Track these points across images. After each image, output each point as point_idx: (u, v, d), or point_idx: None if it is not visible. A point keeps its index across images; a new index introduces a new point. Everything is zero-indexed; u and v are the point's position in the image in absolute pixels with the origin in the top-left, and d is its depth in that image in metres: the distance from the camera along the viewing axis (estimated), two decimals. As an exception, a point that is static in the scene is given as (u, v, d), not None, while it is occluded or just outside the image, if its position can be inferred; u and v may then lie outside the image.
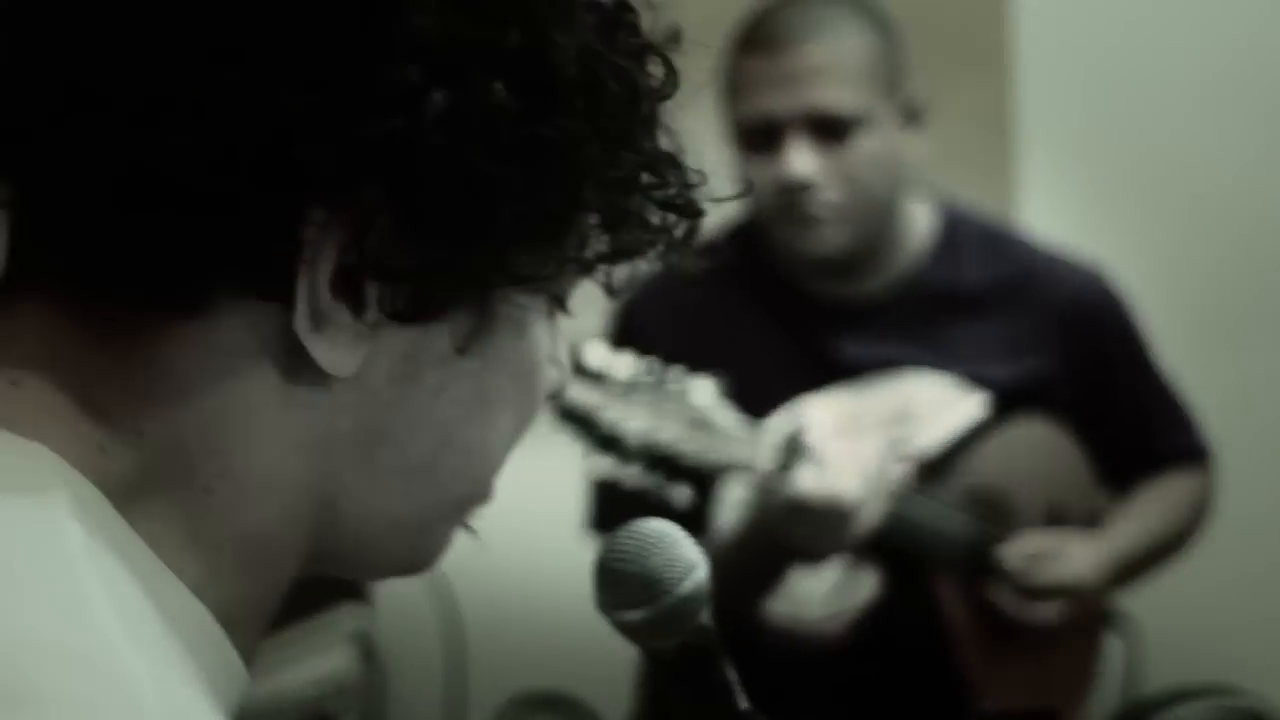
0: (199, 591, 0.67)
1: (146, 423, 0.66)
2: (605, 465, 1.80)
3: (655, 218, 0.75)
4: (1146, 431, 2.16)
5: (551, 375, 0.78)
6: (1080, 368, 2.09)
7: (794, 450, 1.85)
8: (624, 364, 1.80)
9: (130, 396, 0.66)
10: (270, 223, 0.65)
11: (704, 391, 1.81)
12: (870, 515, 1.86)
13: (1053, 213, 2.79)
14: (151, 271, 0.65)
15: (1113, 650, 2.25)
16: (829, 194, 1.98)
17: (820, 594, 1.99)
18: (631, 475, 1.81)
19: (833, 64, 1.98)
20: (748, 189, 1.98)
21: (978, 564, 2.01)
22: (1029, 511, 2.07)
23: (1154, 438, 2.17)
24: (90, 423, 0.66)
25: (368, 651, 2.18)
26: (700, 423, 1.79)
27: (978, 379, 2.04)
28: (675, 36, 0.74)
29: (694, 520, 1.99)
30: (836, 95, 1.97)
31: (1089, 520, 2.11)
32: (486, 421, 0.73)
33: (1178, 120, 2.82)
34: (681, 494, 1.85)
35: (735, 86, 2.01)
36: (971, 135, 2.91)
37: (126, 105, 0.64)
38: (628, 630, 0.84)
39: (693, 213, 0.76)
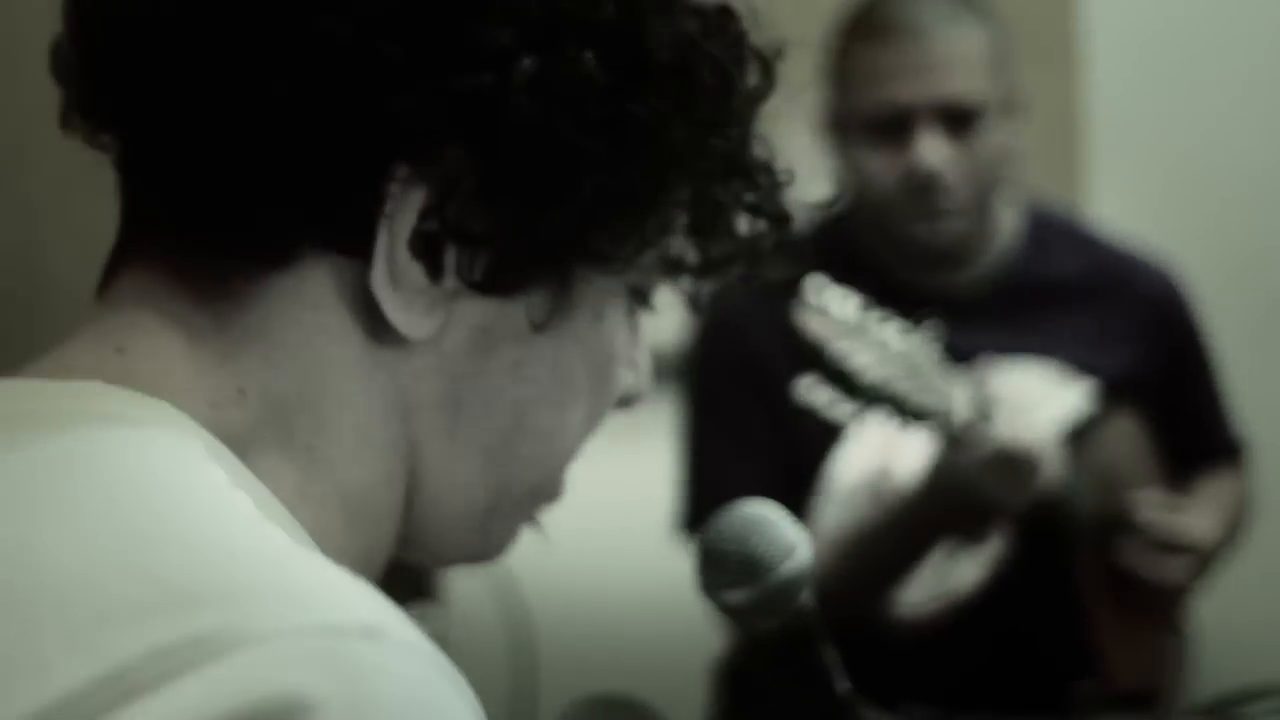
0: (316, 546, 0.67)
1: (247, 380, 0.67)
2: (823, 395, 1.82)
3: (743, 225, 0.75)
4: (1209, 427, 2.19)
5: (628, 377, 0.77)
6: (1163, 361, 2.11)
7: (985, 404, 1.86)
8: (847, 300, 1.82)
9: (228, 357, 0.67)
10: (356, 174, 0.66)
11: (911, 334, 1.83)
12: (1052, 469, 1.87)
13: (1121, 208, 2.77)
14: (244, 220, 0.66)
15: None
16: (957, 184, 1.99)
17: (919, 579, 1.99)
18: (848, 409, 1.82)
19: (964, 54, 1.99)
20: (860, 180, 2.02)
21: (1109, 532, 2.01)
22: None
23: (1214, 433, 2.19)
24: (197, 383, 0.67)
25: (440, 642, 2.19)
26: (909, 363, 1.82)
27: (1078, 366, 2.05)
28: (777, 47, 0.75)
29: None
30: (969, 86, 1.98)
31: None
32: (560, 406, 0.73)
33: (1243, 114, 2.80)
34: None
35: (855, 75, 2.01)
36: (1040, 130, 2.89)
37: (230, 55, 0.65)
38: (730, 611, 0.84)
39: (782, 220, 0.76)
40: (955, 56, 1.98)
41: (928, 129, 1.97)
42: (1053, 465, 1.88)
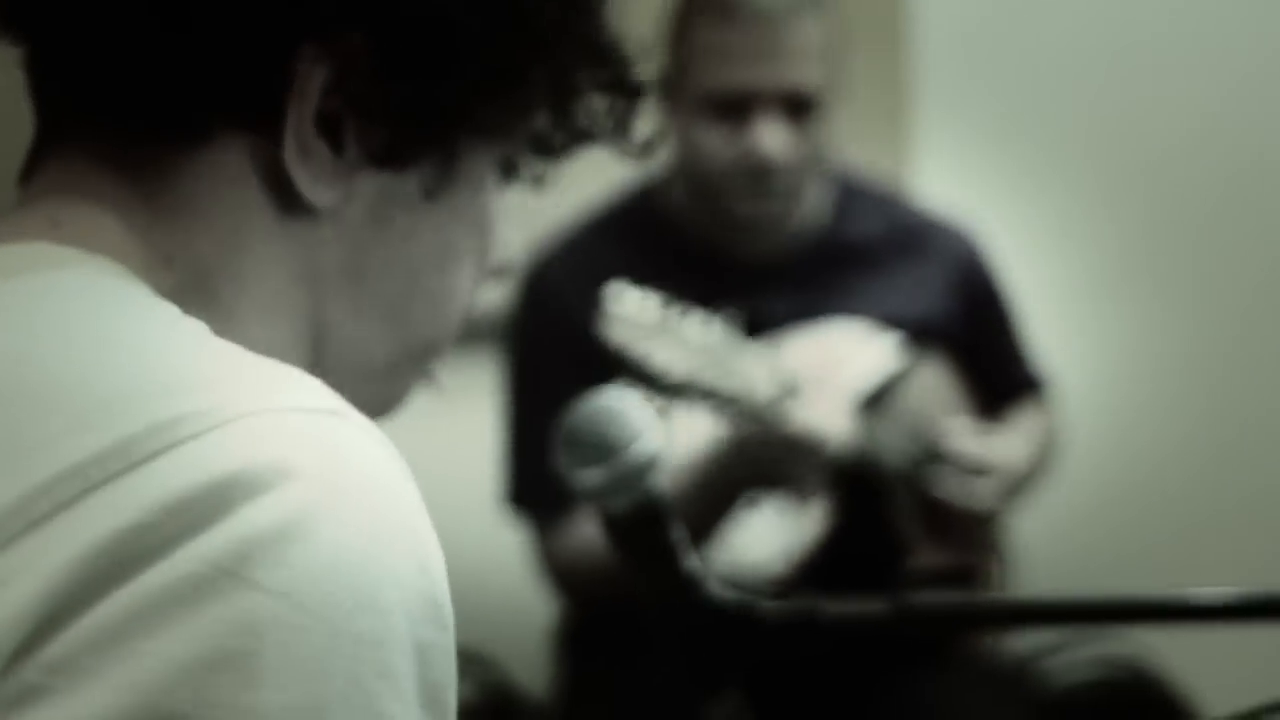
0: None
1: (173, 248, 0.73)
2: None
3: (599, 101, 0.82)
4: (1012, 367, 2.32)
5: (506, 240, 0.84)
6: (964, 310, 2.23)
7: (788, 384, 1.92)
8: (644, 300, 1.86)
9: (154, 228, 0.73)
10: (267, 53, 0.72)
11: (711, 324, 1.88)
12: (847, 439, 1.96)
13: (945, 172, 2.87)
14: (162, 101, 0.72)
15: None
16: (793, 170, 2.05)
17: (761, 538, 2.08)
18: (656, 406, 1.86)
19: (807, 44, 2.03)
20: (692, 153, 2.06)
21: (922, 478, 2.12)
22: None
23: (1017, 372, 2.32)
24: (129, 249, 0.72)
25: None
26: (711, 355, 1.86)
27: (884, 321, 2.15)
28: None
29: None
30: (810, 76, 2.03)
31: None
32: (449, 269, 0.80)
33: (1071, 81, 2.91)
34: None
35: (699, 51, 2.05)
36: (866, 96, 2.98)
37: None
38: (586, 491, 0.90)
39: (634, 94, 0.83)
40: (800, 46, 2.03)
41: (768, 114, 2.02)
42: (846, 436, 1.96)
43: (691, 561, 0.94)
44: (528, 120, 0.79)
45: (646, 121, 0.86)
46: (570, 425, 0.90)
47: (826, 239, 2.18)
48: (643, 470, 0.90)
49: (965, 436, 2.15)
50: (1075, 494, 2.45)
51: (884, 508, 2.13)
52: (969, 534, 2.18)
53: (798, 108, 2.04)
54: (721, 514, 2.04)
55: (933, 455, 2.14)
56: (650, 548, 0.93)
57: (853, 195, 2.22)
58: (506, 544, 2.23)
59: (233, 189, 0.73)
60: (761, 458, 1.95)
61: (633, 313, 1.85)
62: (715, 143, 2.05)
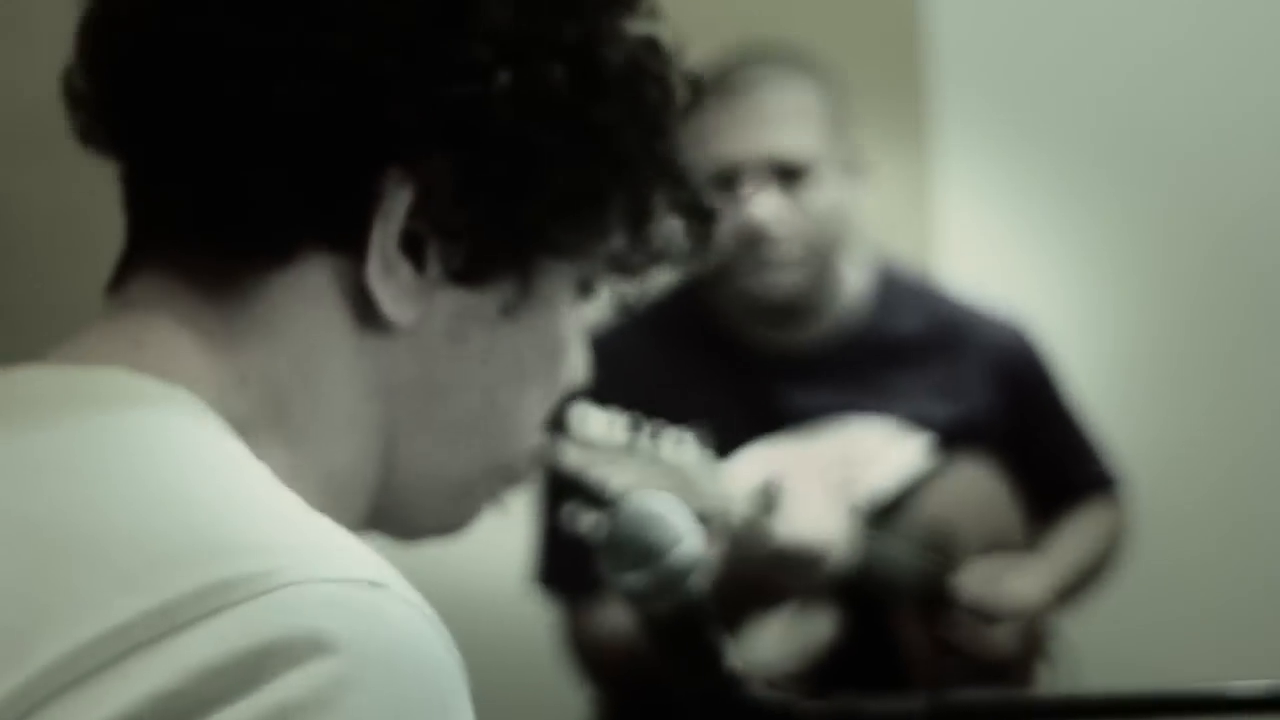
0: None
1: (249, 369, 0.76)
2: (589, 521, 1.82)
3: (674, 221, 0.85)
4: (1067, 464, 2.27)
5: (576, 364, 0.87)
6: (1009, 409, 2.19)
7: (768, 498, 1.89)
8: (606, 421, 1.83)
9: (232, 348, 0.75)
10: (353, 176, 0.75)
11: (683, 444, 1.86)
12: (839, 558, 1.92)
13: (971, 265, 2.88)
14: (250, 223, 0.75)
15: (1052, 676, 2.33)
16: (787, 238, 2.04)
17: (771, 639, 2.05)
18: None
19: (791, 110, 2.04)
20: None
21: (933, 596, 2.08)
22: (972, 546, 2.14)
23: (1074, 470, 2.28)
24: (205, 373, 0.75)
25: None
26: (680, 475, 1.84)
27: (916, 421, 2.11)
28: (696, 79, 0.87)
29: None
30: (796, 141, 2.03)
31: (1024, 550, 2.21)
32: (521, 389, 0.82)
33: (1095, 145, 2.91)
34: None
35: (695, 134, 2.02)
36: (889, 164, 2.99)
37: (238, 69, 0.73)
38: (628, 593, 0.92)
39: (708, 216, 0.86)
40: (782, 112, 2.04)
41: (756, 183, 2.03)
42: (846, 546, 1.92)
43: (732, 661, 0.95)
44: (605, 241, 0.81)
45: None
46: (611, 529, 0.92)
47: (863, 332, 2.16)
48: (684, 574, 0.92)
49: (980, 579, 2.10)
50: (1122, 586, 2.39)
51: (889, 622, 2.08)
52: (984, 660, 2.12)
53: (788, 175, 2.04)
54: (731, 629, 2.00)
55: (949, 570, 2.10)
56: (691, 649, 0.94)
57: (894, 287, 2.20)
58: (540, 627, 2.24)
59: (311, 308, 0.76)
60: (751, 577, 1.91)
61: (596, 435, 1.83)
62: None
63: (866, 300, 2.18)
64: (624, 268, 0.84)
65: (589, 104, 0.77)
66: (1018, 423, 2.20)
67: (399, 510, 0.82)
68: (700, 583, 0.93)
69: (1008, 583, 2.11)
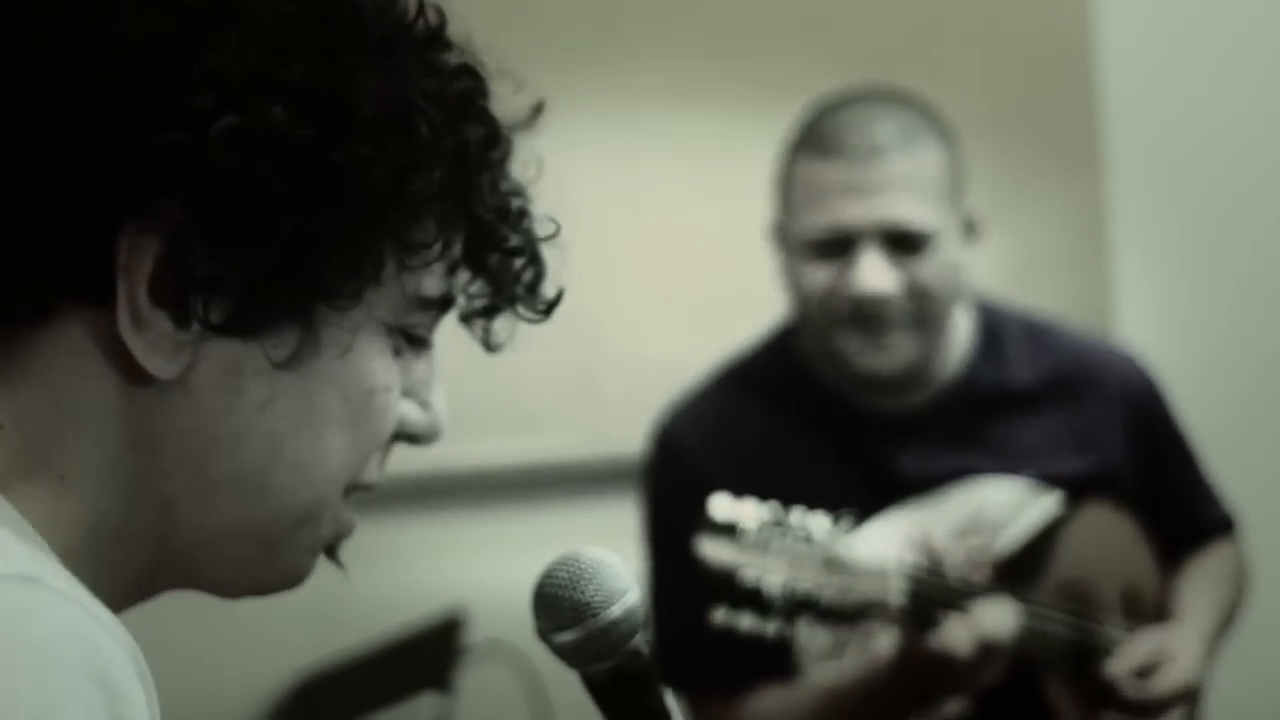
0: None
1: (6, 417, 0.75)
2: (745, 621, 1.77)
3: (497, 263, 0.83)
4: (1194, 508, 2.16)
5: (414, 415, 0.84)
6: (1139, 450, 2.08)
7: (925, 588, 1.79)
8: (749, 512, 1.76)
9: None
10: (85, 233, 0.73)
11: (825, 528, 1.77)
12: (1010, 636, 1.82)
13: (1147, 310, 2.79)
14: (2, 286, 0.74)
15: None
16: (901, 307, 1.94)
17: None
18: (771, 627, 1.77)
19: (910, 178, 1.93)
20: (802, 298, 1.98)
21: (1082, 663, 1.97)
22: (1109, 598, 2.04)
23: (1200, 513, 2.16)
24: None
25: (445, 735, 2.24)
26: (831, 562, 1.75)
27: (1045, 477, 2.01)
28: (538, 108, 0.85)
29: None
30: (913, 210, 1.93)
31: (1156, 598, 2.10)
32: (315, 437, 0.79)
33: (1275, 214, 2.82)
34: (815, 635, 1.84)
35: (800, 191, 1.97)
36: (1067, 236, 2.93)
37: None
38: (560, 652, 0.88)
39: (531, 258, 0.83)
40: (903, 180, 1.93)
41: (870, 251, 1.93)
42: (1014, 623, 1.81)
43: (680, 728, 0.90)
44: (381, 285, 0.78)
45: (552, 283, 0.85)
46: (546, 584, 0.88)
47: (973, 385, 2.04)
48: (622, 632, 0.87)
49: (1136, 664, 1.97)
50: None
51: (1036, 685, 1.96)
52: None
53: (905, 243, 1.93)
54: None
55: (1094, 630, 1.98)
56: (633, 713, 0.89)
57: (1001, 332, 2.08)
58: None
59: (74, 360, 0.75)
60: (921, 672, 1.79)
61: (733, 526, 1.75)
62: (820, 284, 1.96)
63: (973, 350, 2.06)
64: (441, 310, 0.82)
65: (325, 144, 0.74)
66: (1146, 465, 2.09)
67: (197, 564, 0.80)
68: (642, 643, 0.89)
69: (1170, 661, 1.98)
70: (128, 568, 0.78)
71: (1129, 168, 2.90)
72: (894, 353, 1.96)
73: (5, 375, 0.75)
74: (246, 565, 0.81)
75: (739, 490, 1.87)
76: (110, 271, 0.74)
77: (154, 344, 0.75)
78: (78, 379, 0.75)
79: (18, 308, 0.75)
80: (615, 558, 0.89)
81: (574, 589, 0.87)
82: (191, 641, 2.72)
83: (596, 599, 0.87)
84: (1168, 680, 1.97)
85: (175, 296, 0.74)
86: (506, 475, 2.93)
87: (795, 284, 1.99)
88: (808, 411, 2.04)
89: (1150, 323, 2.63)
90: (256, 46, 0.74)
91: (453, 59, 0.80)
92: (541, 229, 0.84)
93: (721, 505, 1.77)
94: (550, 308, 0.86)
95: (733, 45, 2.93)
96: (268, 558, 0.81)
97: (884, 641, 1.87)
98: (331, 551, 0.85)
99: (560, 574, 0.87)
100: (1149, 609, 2.08)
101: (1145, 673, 1.97)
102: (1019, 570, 1.96)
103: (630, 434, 2.36)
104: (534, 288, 0.84)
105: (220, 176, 0.73)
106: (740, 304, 2.24)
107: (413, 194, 0.77)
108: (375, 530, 0.86)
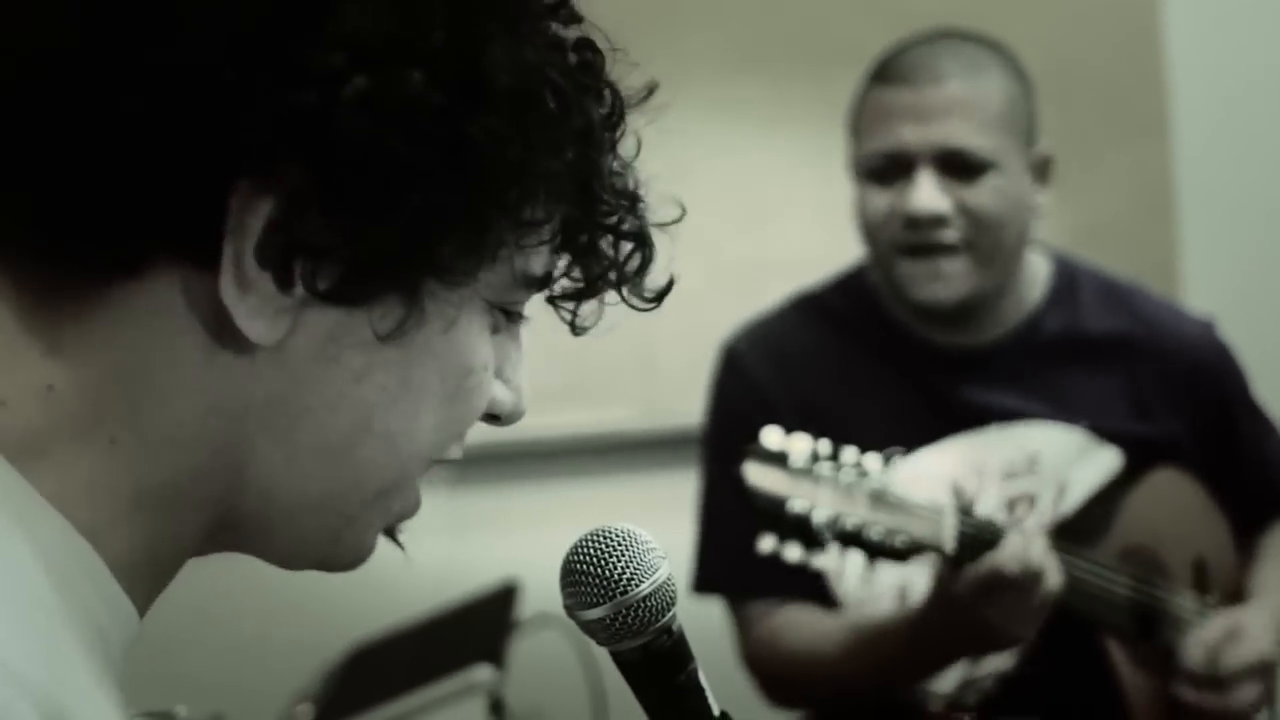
0: (94, 537, 0.72)
1: (61, 377, 0.72)
2: (791, 551, 1.75)
3: (608, 247, 0.79)
4: (1269, 481, 2.11)
5: (500, 391, 0.81)
6: (1205, 421, 2.05)
7: (978, 528, 1.75)
8: (801, 446, 1.75)
9: (52, 354, 0.72)
10: (198, 188, 0.70)
11: (876, 465, 1.76)
12: (1055, 584, 1.76)
13: (1213, 277, 2.74)
14: (91, 234, 0.71)
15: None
16: (955, 230, 1.94)
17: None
18: (817, 560, 1.75)
19: (970, 104, 1.94)
20: (864, 224, 1.99)
21: (1147, 629, 1.94)
22: (1178, 567, 2.01)
23: (1276, 486, 2.12)
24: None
25: (497, 708, 2.21)
26: (881, 499, 1.74)
27: (1106, 433, 1.99)
28: (651, 88, 0.80)
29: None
30: (971, 136, 1.93)
31: (1228, 570, 2.06)
32: (409, 411, 0.76)
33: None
34: (856, 567, 1.81)
35: (866, 118, 1.98)
36: (1133, 201, 2.88)
37: (77, 82, 0.70)
38: (589, 630, 0.85)
39: (642, 241, 0.80)
40: (962, 105, 1.93)
41: (926, 172, 1.93)
42: (1059, 571, 1.76)
43: (715, 707, 0.88)
44: (495, 263, 0.75)
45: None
46: (572, 561, 0.85)
47: (1043, 329, 2.03)
48: (653, 609, 0.85)
49: (1209, 641, 1.92)
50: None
51: (1096, 651, 1.92)
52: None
53: (959, 169, 1.93)
54: (924, 671, 1.90)
55: (1158, 596, 1.94)
56: (668, 693, 0.87)
57: (1078, 284, 2.07)
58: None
59: (157, 320, 0.72)
60: (970, 614, 1.74)
61: (783, 454, 1.73)
62: (878, 207, 1.97)
63: (1046, 296, 2.05)
64: (546, 290, 0.78)
65: (460, 115, 0.71)
66: (1216, 436, 2.05)
67: (262, 535, 0.77)
68: (675, 620, 0.86)
69: (1242, 637, 1.94)
70: (183, 531, 0.75)
71: (1195, 133, 2.84)
72: (950, 283, 1.95)
73: (71, 333, 0.72)
74: (315, 537, 0.78)
75: (796, 411, 1.89)
76: (217, 229, 0.71)
77: (256, 308, 0.71)
78: (155, 340, 0.72)
79: (109, 259, 0.71)
80: (646, 532, 0.86)
81: (603, 564, 0.84)
82: (247, 611, 2.72)
83: (626, 575, 0.84)
84: (1240, 655, 1.93)
85: (281, 260, 0.71)
86: (562, 447, 2.91)
87: (860, 214, 2.00)
88: (874, 342, 2.04)
89: (1215, 290, 2.57)
90: (393, 8, 0.71)
91: (573, 32, 0.77)
92: (655, 213, 0.81)
93: (773, 436, 1.76)
94: (660, 296, 0.82)
95: (787, 11, 2.89)
96: (338, 531, 0.78)
97: (923, 581, 1.84)
98: (391, 531, 0.82)
99: (589, 548, 0.85)
100: (1220, 582, 2.04)
101: (1218, 647, 1.93)
102: (1081, 530, 1.94)
103: (686, 406, 2.34)
104: (641, 273, 0.81)
105: (349, 140, 0.70)
106: (795, 273, 2.21)
107: (542, 172, 0.74)
108: (431, 502, 0.83)
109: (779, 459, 1.74)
